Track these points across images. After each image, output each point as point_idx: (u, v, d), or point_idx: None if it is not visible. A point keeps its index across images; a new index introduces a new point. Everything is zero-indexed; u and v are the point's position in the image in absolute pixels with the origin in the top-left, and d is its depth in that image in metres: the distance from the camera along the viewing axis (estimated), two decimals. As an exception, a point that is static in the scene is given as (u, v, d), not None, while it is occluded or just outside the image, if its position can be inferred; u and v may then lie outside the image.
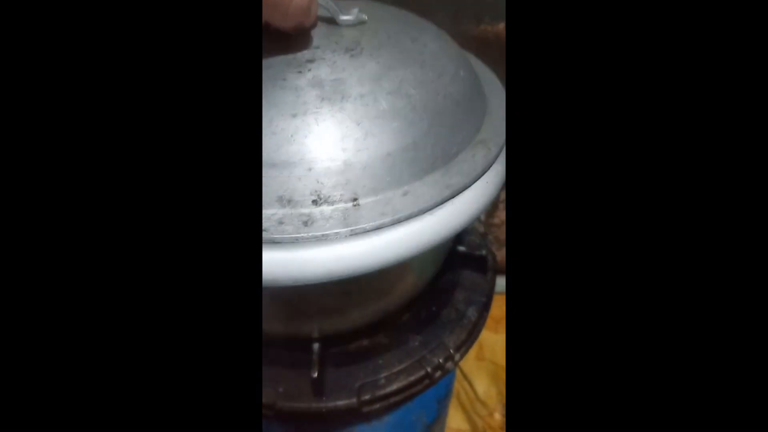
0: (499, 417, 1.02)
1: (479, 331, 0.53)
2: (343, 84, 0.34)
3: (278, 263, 0.31)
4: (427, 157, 0.35)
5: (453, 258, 0.55)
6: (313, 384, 0.44)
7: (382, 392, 0.45)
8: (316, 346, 0.46)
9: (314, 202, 0.32)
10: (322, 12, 0.39)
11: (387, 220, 0.33)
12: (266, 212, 0.32)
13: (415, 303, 0.52)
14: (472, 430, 1.01)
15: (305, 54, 0.36)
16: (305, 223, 0.32)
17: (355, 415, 0.45)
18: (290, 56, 0.36)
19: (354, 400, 0.44)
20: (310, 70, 0.34)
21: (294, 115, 0.32)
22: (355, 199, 0.33)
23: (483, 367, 1.08)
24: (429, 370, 0.47)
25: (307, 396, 0.44)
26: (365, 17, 0.40)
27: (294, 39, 0.37)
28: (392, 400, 0.46)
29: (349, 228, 0.32)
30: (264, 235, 0.31)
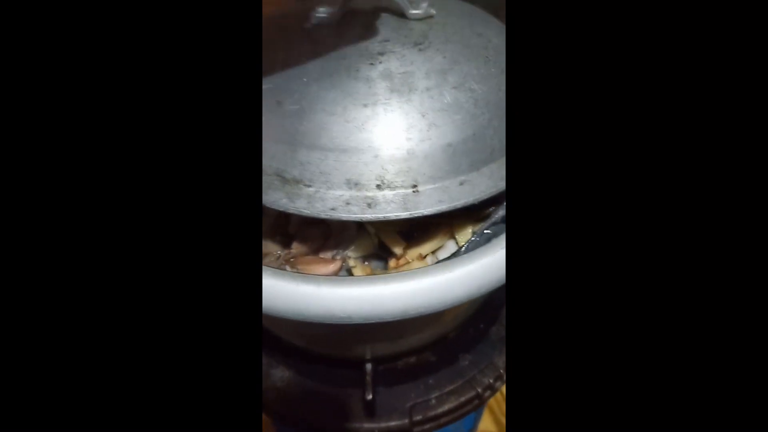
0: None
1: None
2: (412, 77, 0.36)
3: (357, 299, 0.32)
4: (485, 149, 0.37)
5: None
6: (365, 405, 0.45)
7: (433, 413, 0.47)
8: (368, 367, 0.47)
9: (378, 186, 0.35)
10: (392, 5, 0.41)
11: (444, 206, 0.35)
12: (335, 193, 0.35)
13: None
14: (499, 431, 1.03)
15: (376, 46, 0.38)
16: (369, 205, 0.35)
17: None
18: (362, 47, 0.38)
19: (406, 421, 0.46)
20: (381, 62, 0.37)
21: (365, 105, 0.35)
22: (414, 186, 0.35)
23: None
24: (479, 390, 0.48)
25: (359, 416, 0.46)
26: (433, 11, 0.42)
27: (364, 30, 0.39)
28: (443, 420, 0.47)
29: (408, 212, 0.35)
30: (332, 213, 0.35)
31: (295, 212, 0.35)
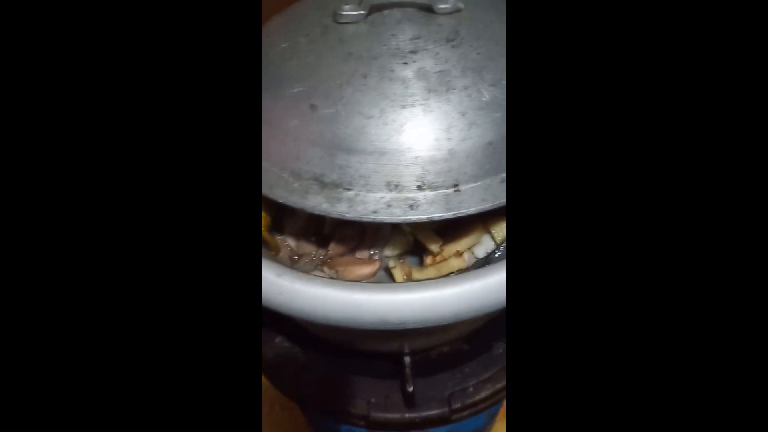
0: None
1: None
2: (448, 75, 0.36)
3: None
4: (524, 145, 0.37)
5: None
6: (405, 396, 0.46)
7: (471, 400, 0.47)
8: (407, 359, 0.48)
9: (419, 187, 0.35)
10: (420, -1, 0.40)
11: (487, 205, 0.35)
12: (375, 196, 0.35)
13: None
14: None
15: (408, 45, 0.38)
16: (411, 207, 0.35)
17: (445, 423, 0.47)
18: (393, 46, 0.38)
19: (446, 409, 0.46)
20: (414, 61, 0.37)
21: (403, 107, 0.35)
22: (456, 185, 0.35)
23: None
24: None
25: (399, 407, 0.47)
26: (461, 5, 0.41)
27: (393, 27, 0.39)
28: (480, 407, 0.48)
29: (452, 212, 0.35)
30: (374, 216, 0.34)
31: (337, 216, 0.35)
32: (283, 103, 0.37)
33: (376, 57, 0.37)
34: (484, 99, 0.36)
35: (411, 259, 0.46)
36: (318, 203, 0.35)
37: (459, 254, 0.43)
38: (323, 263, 0.45)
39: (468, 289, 0.32)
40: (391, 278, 0.44)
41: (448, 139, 0.35)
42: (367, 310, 0.32)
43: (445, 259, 0.44)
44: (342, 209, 0.35)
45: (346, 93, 0.36)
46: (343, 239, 0.44)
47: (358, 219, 0.35)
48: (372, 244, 0.45)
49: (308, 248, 0.46)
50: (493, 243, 0.44)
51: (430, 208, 0.35)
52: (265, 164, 0.37)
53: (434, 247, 0.44)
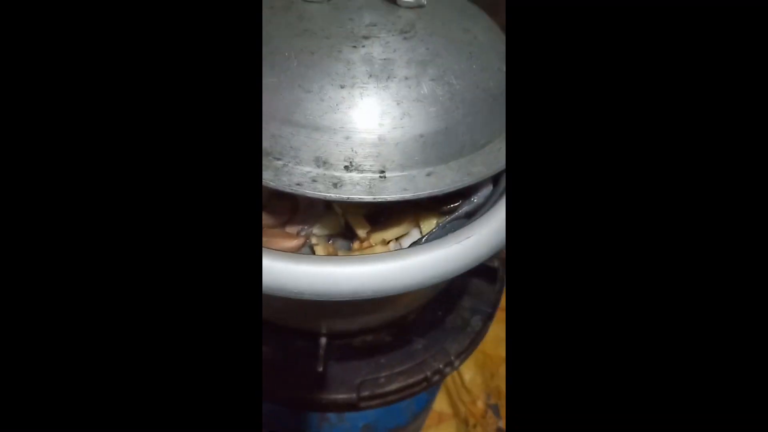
0: (481, 405, 1.05)
1: (480, 340, 0.55)
2: (392, 64, 0.37)
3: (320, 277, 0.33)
4: (456, 143, 0.38)
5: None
6: (316, 376, 0.47)
7: (380, 390, 0.48)
8: (323, 341, 0.49)
9: (346, 167, 0.36)
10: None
11: (408, 195, 0.36)
12: (303, 169, 0.35)
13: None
14: (455, 414, 1.05)
15: (362, 30, 0.39)
16: (335, 185, 0.35)
17: (352, 409, 0.48)
18: (348, 29, 0.39)
19: (354, 395, 0.48)
20: (364, 46, 0.37)
21: (342, 86, 0.36)
22: (382, 172, 0.36)
23: (471, 356, 1.11)
24: (428, 374, 0.50)
25: (309, 387, 0.48)
26: (424, 1, 0.42)
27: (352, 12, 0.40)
28: (389, 398, 0.49)
29: (373, 196, 0.36)
30: (296, 188, 0.35)
31: (263, 184, 0.36)
32: (230, 66, 0.37)
33: (328, 36, 0.38)
34: (422, 92, 0.36)
35: (341, 243, 0.47)
36: (245, 167, 0.36)
37: (385, 242, 0.45)
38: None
39: (368, 269, 0.33)
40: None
41: (380, 125, 0.36)
42: (268, 277, 0.33)
43: (371, 246, 0.45)
44: (267, 177, 0.35)
45: (291, 66, 0.36)
46: (274, 212, 0.45)
47: (281, 189, 0.35)
48: (303, 221, 0.45)
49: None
50: (419, 235, 0.45)
51: (353, 189, 0.36)
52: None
53: (362, 233, 0.44)
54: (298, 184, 0.35)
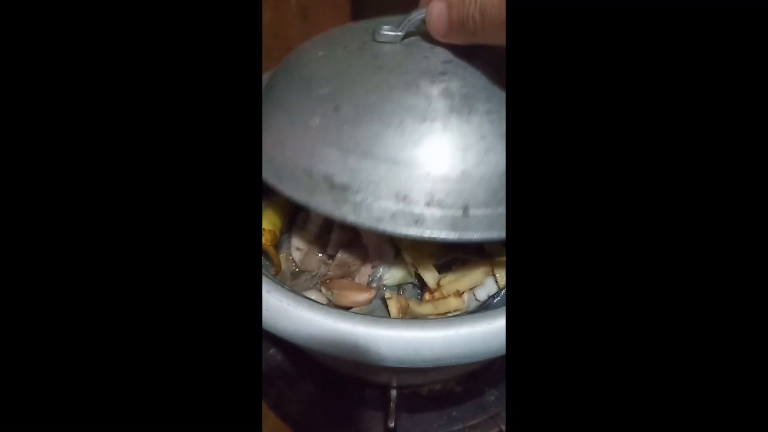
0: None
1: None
2: (473, 99, 0.35)
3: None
4: (541, 181, 0.36)
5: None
6: (387, 430, 0.45)
7: None
8: (393, 393, 0.46)
9: (427, 204, 0.34)
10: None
11: (494, 234, 0.34)
12: (382, 204, 0.34)
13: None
14: None
15: (439, 66, 0.38)
16: (416, 222, 0.34)
17: None
18: (424, 66, 0.38)
19: None
20: (442, 81, 0.36)
21: (423, 120, 0.34)
22: (465, 208, 0.34)
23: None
24: (502, 427, 0.47)
25: None
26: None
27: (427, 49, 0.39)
28: None
29: (457, 233, 0.33)
30: (377, 224, 0.33)
31: (340, 219, 0.34)
32: (309, 102, 0.36)
33: (405, 72, 0.37)
34: (505, 126, 0.35)
35: (411, 292, 0.45)
36: (323, 202, 0.34)
37: (459, 294, 0.42)
38: (322, 283, 0.43)
39: (451, 335, 0.32)
40: (386, 309, 0.42)
41: (464, 160, 0.34)
42: (349, 343, 0.31)
43: (444, 297, 0.42)
44: (346, 212, 0.34)
45: (371, 100, 0.35)
46: (344, 261, 0.43)
47: (359, 225, 0.34)
48: (373, 271, 0.43)
49: (312, 264, 0.44)
50: (495, 286, 0.42)
51: (435, 226, 0.34)
52: (281, 158, 0.36)
53: (432, 282, 0.42)
54: (378, 220, 0.33)
